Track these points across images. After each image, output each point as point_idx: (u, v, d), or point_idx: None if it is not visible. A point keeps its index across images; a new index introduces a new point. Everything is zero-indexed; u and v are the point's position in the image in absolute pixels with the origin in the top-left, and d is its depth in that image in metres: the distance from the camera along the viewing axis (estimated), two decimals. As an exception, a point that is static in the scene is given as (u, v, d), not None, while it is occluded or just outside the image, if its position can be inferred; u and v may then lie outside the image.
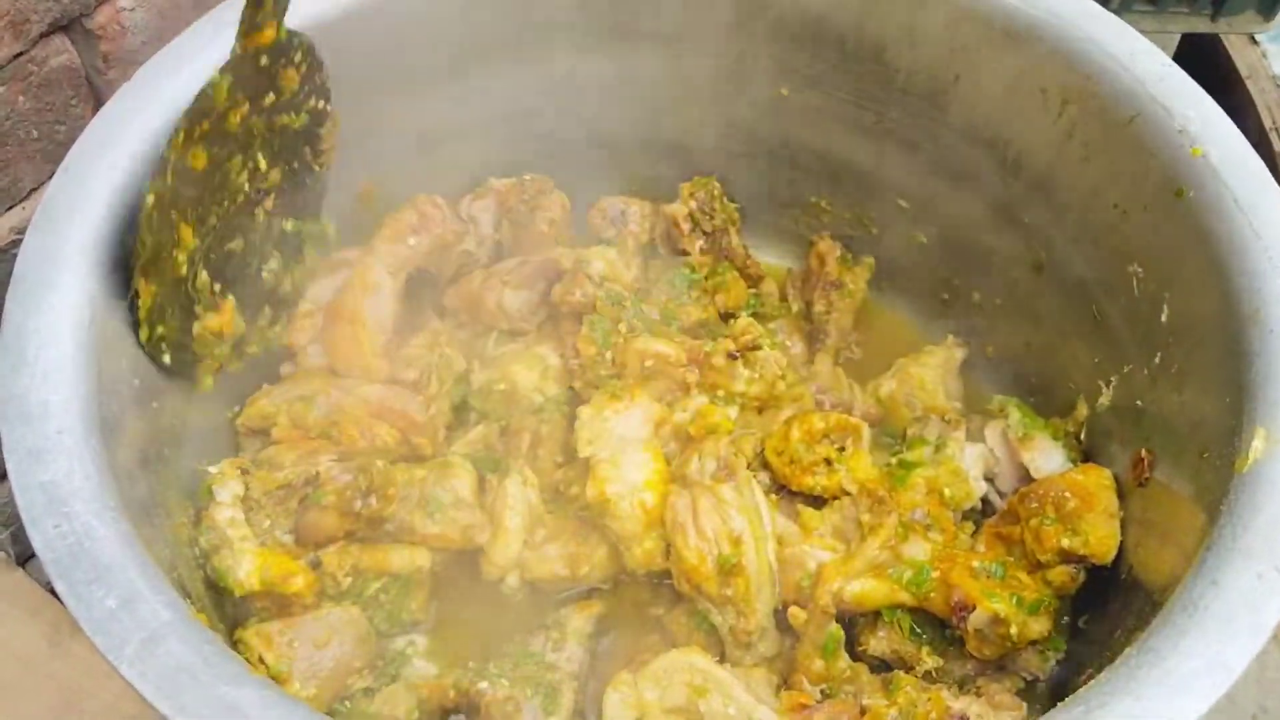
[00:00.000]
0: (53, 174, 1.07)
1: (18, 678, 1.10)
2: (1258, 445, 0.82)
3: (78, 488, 0.78)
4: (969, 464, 1.15)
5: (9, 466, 0.79)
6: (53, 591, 1.21)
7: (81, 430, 0.82)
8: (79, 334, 0.87)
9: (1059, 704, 0.72)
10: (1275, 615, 0.73)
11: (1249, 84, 1.79)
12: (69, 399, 0.83)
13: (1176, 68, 1.02)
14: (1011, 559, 1.07)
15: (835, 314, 1.34)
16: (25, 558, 1.26)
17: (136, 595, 0.73)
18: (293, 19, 1.05)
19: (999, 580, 1.05)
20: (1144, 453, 1.03)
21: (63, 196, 0.92)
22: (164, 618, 0.73)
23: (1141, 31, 1.07)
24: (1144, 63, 1.03)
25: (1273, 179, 0.95)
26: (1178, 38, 1.76)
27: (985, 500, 1.16)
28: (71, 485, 0.78)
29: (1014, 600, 1.02)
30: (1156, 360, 1.03)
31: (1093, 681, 0.73)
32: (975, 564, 1.05)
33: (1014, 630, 1.01)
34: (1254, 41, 1.82)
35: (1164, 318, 1.01)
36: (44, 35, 1.04)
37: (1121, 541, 1.03)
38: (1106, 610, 1.04)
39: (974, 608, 1.01)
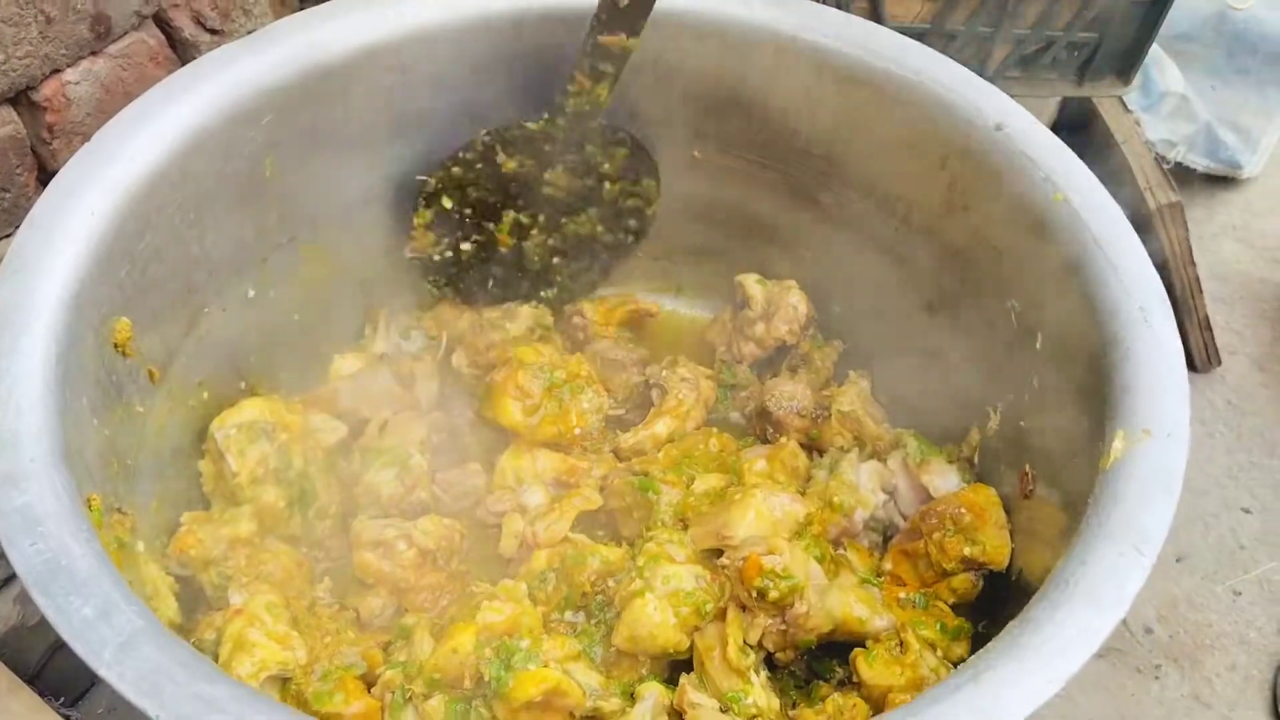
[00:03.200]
0: (-2, 239, 1.14)
1: (-46, 736, 1.10)
2: (1118, 445, 0.93)
3: (51, 510, 0.83)
4: (863, 479, 1.26)
5: (-15, 492, 0.84)
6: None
7: (51, 460, 0.87)
8: (47, 371, 0.92)
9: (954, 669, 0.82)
10: (1135, 587, 0.83)
11: (1124, 149, 1.97)
12: (40, 431, 0.88)
13: (1041, 125, 1.16)
14: (918, 571, 1.18)
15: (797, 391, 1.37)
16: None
17: (112, 605, 0.79)
18: (249, 85, 1.15)
19: (923, 610, 1.16)
20: (1027, 468, 1.15)
21: (30, 246, 0.98)
22: (138, 625, 0.78)
23: (1014, 95, 1.20)
24: (1013, 121, 1.17)
25: (1126, 220, 1.09)
26: (1055, 104, 1.94)
27: (890, 523, 1.27)
28: (45, 508, 0.83)
29: (939, 627, 1.13)
30: (1034, 384, 1.14)
31: (981, 650, 0.83)
32: (901, 595, 1.17)
33: (938, 653, 1.11)
34: (1127, 110, 2.00)
35: (1038, 345, 1.13)
36: (-9, 106, 1.10)
37: (1012, 550, 1.15)
38: (1002, 614, 1.14)
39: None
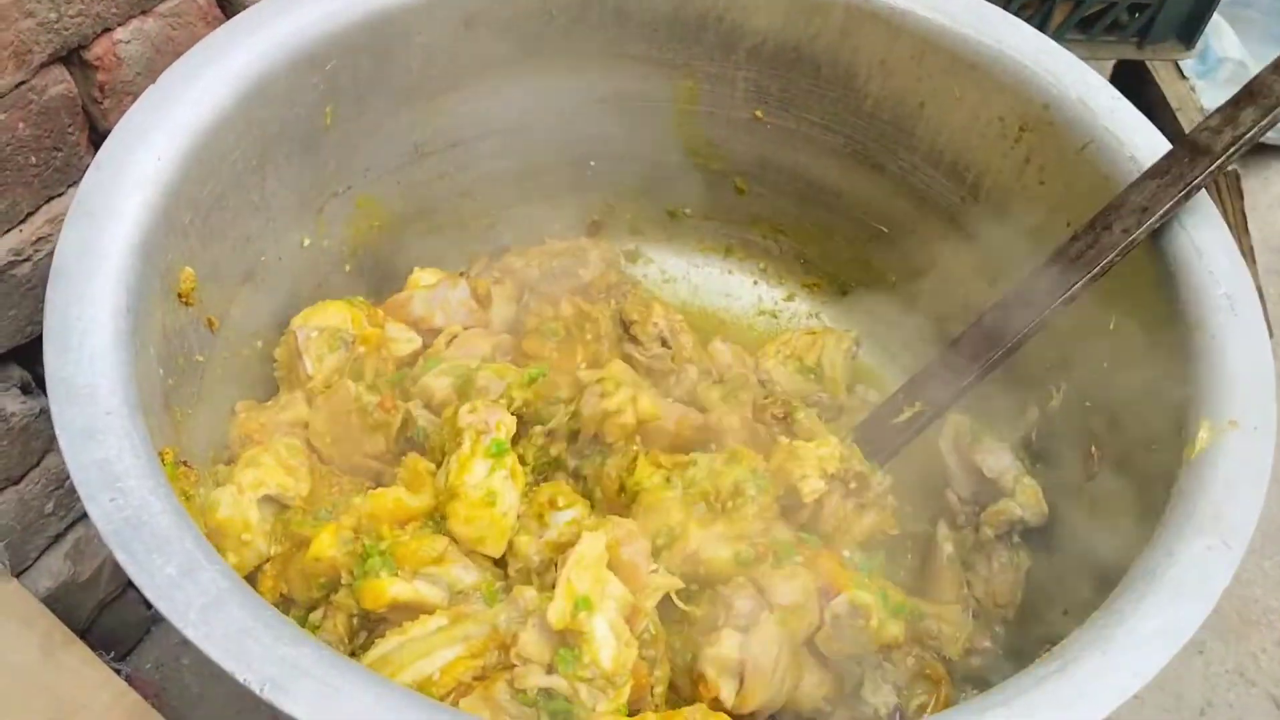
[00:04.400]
0: (50, 198, 1.12)
1: (10, 687, 1.10)
2: (1203, 436, 0.92)
3: (129, 465, 0.82)
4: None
5: (62, 444, 0.82)
6: (46, 602, 1.23)
7: (127, 413, 0.85)
8: (118, 321, 0.90)
9: (1036, 660, 0.81)
10: (1223, 582, 0.83)
11: (1179, 115, 1.94)
12: (114, 383, 0.86)
13: (1125, 100, 1.13)
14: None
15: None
16: (20, 569, 1.27)
17: (195, 564, 0.78)
18: (314, 29, 1.12)
19: (866, 575, 1.09)
20: (1093, 450, 1.13)
21: (98, 190, 0.96)
22: (223, 585, 0.77)
23: (1075, 57, 1.18)
24: (1096, 95, 1.14)
25: (1214, 205, 1.06)
26: (1110, 65, 1.90)
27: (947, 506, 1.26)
28: (124, 463, 0.82)
29: (881, 595, 1.06)
30: (1105, 365, 1.13)
31: (1064, 641, 0.82)
32: (845, 553, 1.13)
33: (874, 623, 1.03)
34: (1182, 76, 1.97)
35: (1112, 325, 1.11)
36: (44, 65, 1.07)
37: (1066, 529, 1.14)
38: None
39: (839, 594, 1.03)
